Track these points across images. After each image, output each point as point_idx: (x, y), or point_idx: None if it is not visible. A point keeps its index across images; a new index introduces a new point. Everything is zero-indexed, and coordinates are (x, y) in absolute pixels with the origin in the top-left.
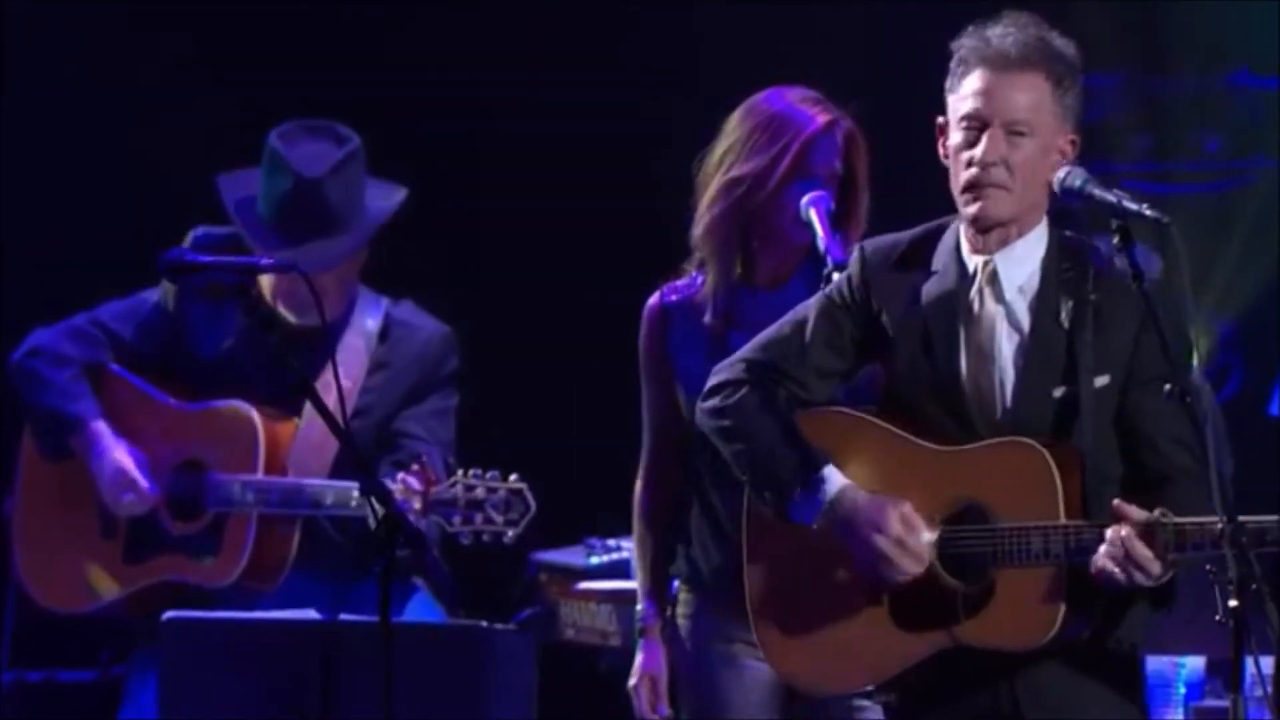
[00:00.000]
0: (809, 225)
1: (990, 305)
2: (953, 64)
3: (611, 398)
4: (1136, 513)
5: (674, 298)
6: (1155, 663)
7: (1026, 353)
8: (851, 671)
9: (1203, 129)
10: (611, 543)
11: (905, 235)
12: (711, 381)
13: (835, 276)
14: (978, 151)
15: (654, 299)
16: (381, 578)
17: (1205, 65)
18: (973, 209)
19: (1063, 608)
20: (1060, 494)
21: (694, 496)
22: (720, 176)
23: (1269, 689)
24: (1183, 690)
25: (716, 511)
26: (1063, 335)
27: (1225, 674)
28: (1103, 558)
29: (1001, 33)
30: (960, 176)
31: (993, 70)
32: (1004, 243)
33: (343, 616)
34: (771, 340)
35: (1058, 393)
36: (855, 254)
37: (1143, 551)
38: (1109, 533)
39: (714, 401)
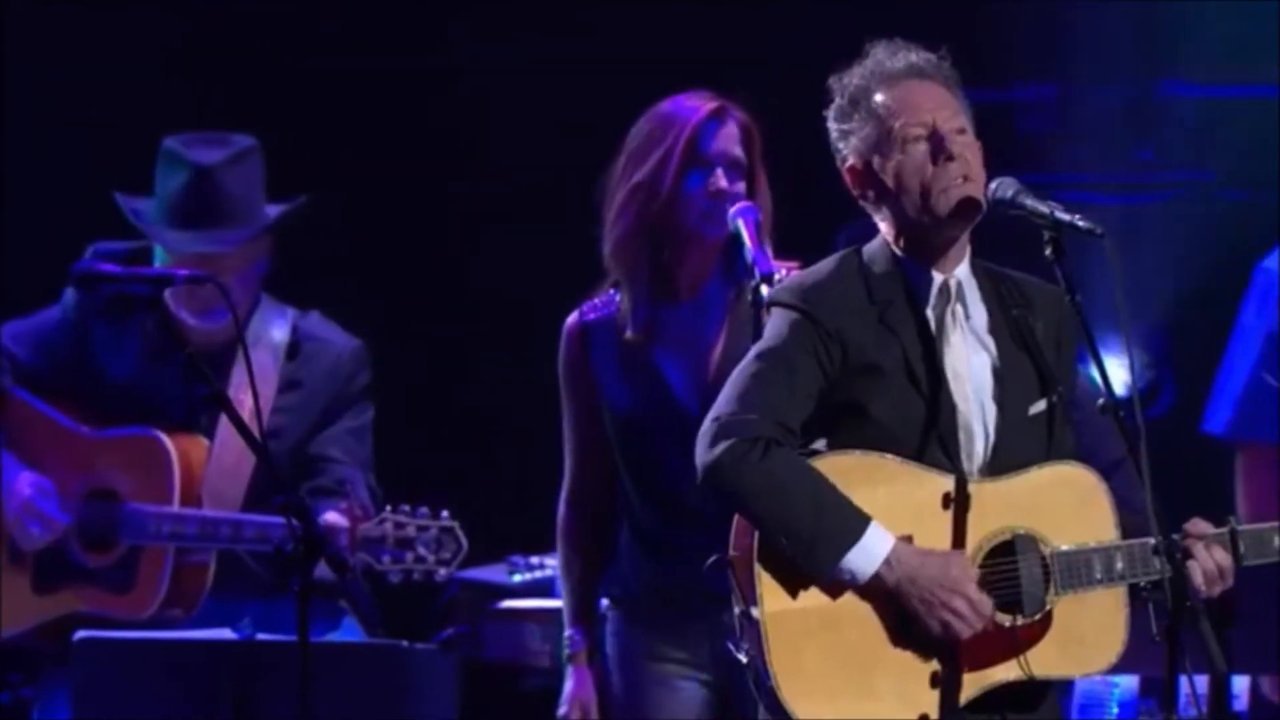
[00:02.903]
0: (737, 236)
1: (959, 324)
2: (843, 104)
3: (532, 412)
4: (1208, 525)
5: (593, 316)
6: (1087, 683)
7: (998, 371)
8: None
9: (1135, 140)
10: (534, 560)
11: (821, 274)
12: (720, 439)
13: (764, 289)
14: (954, 150)
15: (573, 318)
16: (300, 596)
17: (1137, 75)
18: (969, 197)
19: (1126, 627)
20: (1112, 513)
21: (621, 515)
22: (622, 189)
23: (1204, 709)
24: (1115, 710)
25: (645, 530)
26: (1024, 349)
27: (1159, 693)
28: (1196, 572)
29: (889, 55)
30: (940, 179)
31: (908, 82)
32: (959, 259)
33: (260, 635)
34: (766, 394)
35: (1033, 410)
36: (794, 308)
37: (1227, 560)
38: (1197, 548)
39: (734, 461)
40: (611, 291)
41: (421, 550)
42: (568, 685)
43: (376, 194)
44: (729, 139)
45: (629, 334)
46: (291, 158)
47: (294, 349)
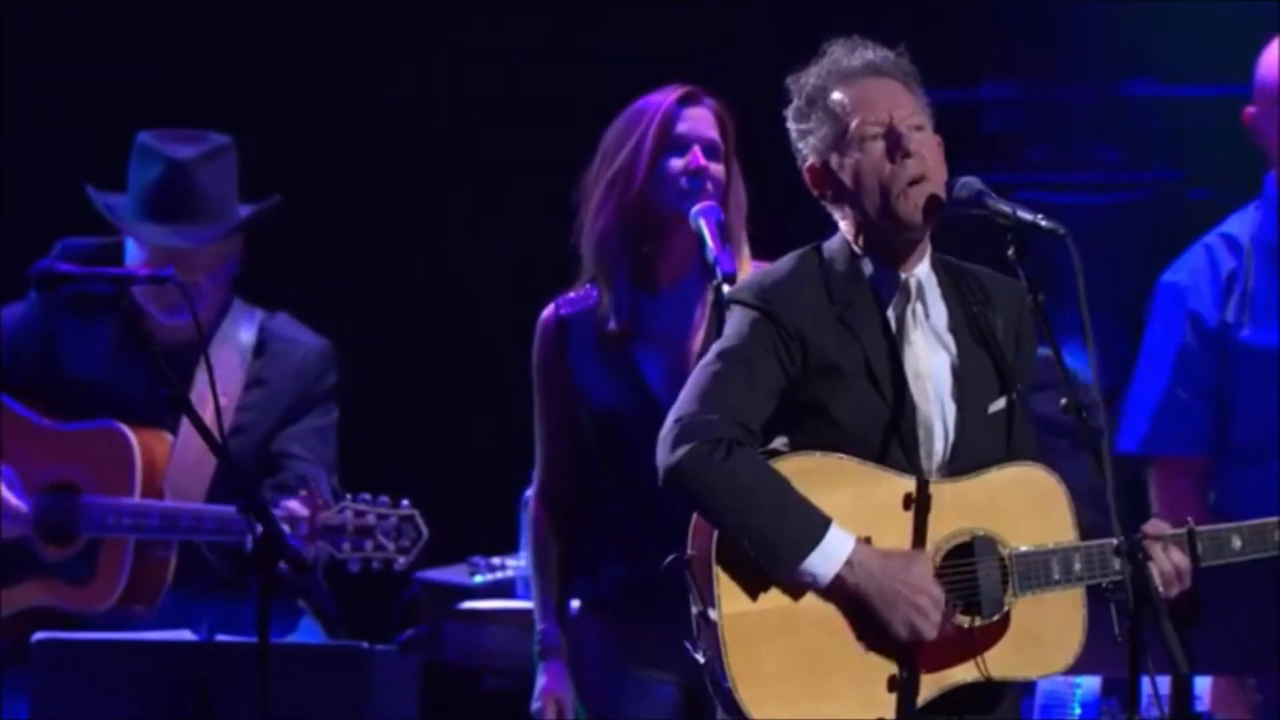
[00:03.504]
0: (699, 235)
1: (919, 323)
2: (800, 103)
3: (494, 413)
4: (1166, 526)
5: (570, 310)
6: (1049, 683)
7: (957, 369)
8: None
9: (1101, 139)
10: (495, 561)
11: (782, 273)
12: (682, 440)
13: (725, 288)
14: (910, 147)
15: (548, 311)
16: (260, 596)
17: (1103, 74)
18: (929, 195)
19: (1084, 628)
20: (1070, 514)
21: (593, 512)
22: (599, 184)
23: (1166, 709)
24: (1078, 711)
25: (620, 526)
26: (984, 347)
27: (1121, 694)
28: (1154, 573)
29: (846, 53)
30: (899, 177)
31: (865, 80)
32: (919, 258)
33: (219, 637)
34: (727, 394)
35: (993, 408)
36: (754, 307)
37: (1185, 562)
38: (1155, 549)
39: (695, 461)
40: (588, 286)
41: (381, 538)
42: (541, 680)
43: (337, 193)
44: (702, 121)
45: (611, 327)
46: (261, 158)
47: (261, 348)
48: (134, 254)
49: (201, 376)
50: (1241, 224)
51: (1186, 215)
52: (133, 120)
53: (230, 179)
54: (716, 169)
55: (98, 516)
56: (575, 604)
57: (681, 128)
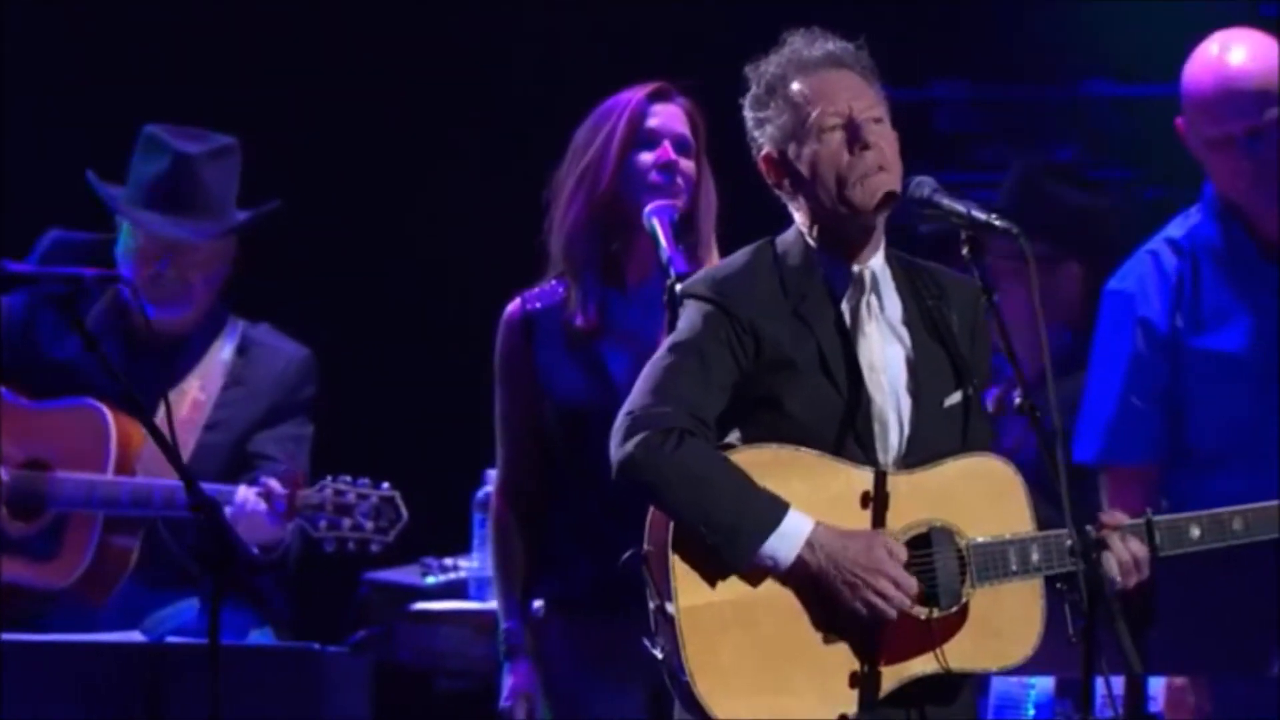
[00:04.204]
0: (652, 235)
1: (874, 316)
2: (759, 92)
3: (446, 414)
4: (1124, 516)
5: (537, 305)
6: (1003, 684)
7: (912, 363)
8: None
9: (1055, 139)
10: (448, 562)
11: (735, 266)
12: (634, 432)
13: (678, 288)
14: (869, 139)
15: (514, 307)
16: (213, 598)
17: (1058, 73)
18: (886, 187)
19: (1043, 619)
20: (1028, 505)
21: (557, 511)
22: (569, 180)
23: (1120, 710)
24: (1031, 712)
25: (586, 523)
26: (939, 341)
27: (1075, 695)
28: (1111, 562)
29: (806, 44)
30: (857, 168)
31: (825, 71)
32: (874, 251)
33: (169, 638)
34: (679, 386)
35: (948, 401)
36: (708, 300)
37: (1143, 551)
38: (1112, 538)
39: (647, 452)
40: (553, 281)
41: (360, 518)
42: (509, 679)
43: (299, 199)
44: (673, 117)
45: (579, 323)
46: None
47: (243, 350)
48: (127, 246)
49: (189, 372)
50: (1184, 228)
51: (1142, 214)
52: (128, 118)
53: (233, 180)
54: (687, 164)
55: (67, 492)
56: (537, 604)
57: (652, 123)
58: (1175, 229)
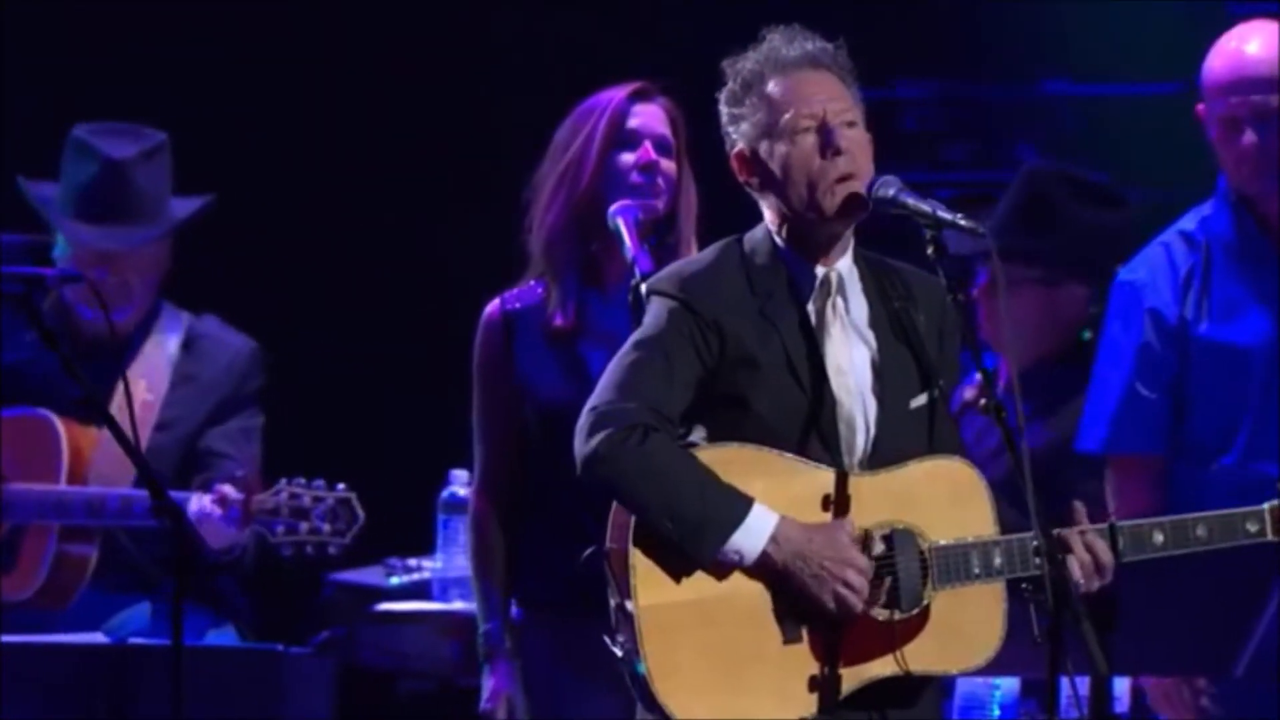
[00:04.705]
0: (616, 234)
1: (840, 317)
2: (735, 88)
3: (410, 414)
4: (1084, 518)
5: (516, 305)
6: (968, 684)
7: (877, 365)
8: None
9: (1017, 138)
10: (411, 563)
11: (702, 263)
12: (598, 428)
13: (643, 288)
14: (842, 144)
15: (493, 307)
16: (175, 600)
17: (1022, 73)
18: (853, 194)
19: (1004, 623)
20: (991, 508)
21: (536, 512)
22: (549, 180)
23: (1085, 710)
24: (997, 713)
25: (567, 523)
26: (905, 343)
27: (1041, 695)
28: (1074, 565)
29: (784, 43)
30: (828, 173)
31: (802, 72)
32: (842, 252)
33: (132, 640)
34: (643, 382)
35: (914, 404)
36: (673, 297)
37: (1105, 553)
38: (1075, 541)
39: (611, 448)
40: (533, 282)
41: (316, 521)
42: (490, 681)
43: (258, 193)
44: (654, 117)
45: (559, 323)
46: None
47: (189, 346)
48: (64, 252)
49: (130, 373)
50: (1197, 220)
51: None
52: (63, 111)
53: (166, 178)
54: (668, 165)
55: (21, 504)
56: (515, 608)
57: (633, 123)
58: (1188, 221)
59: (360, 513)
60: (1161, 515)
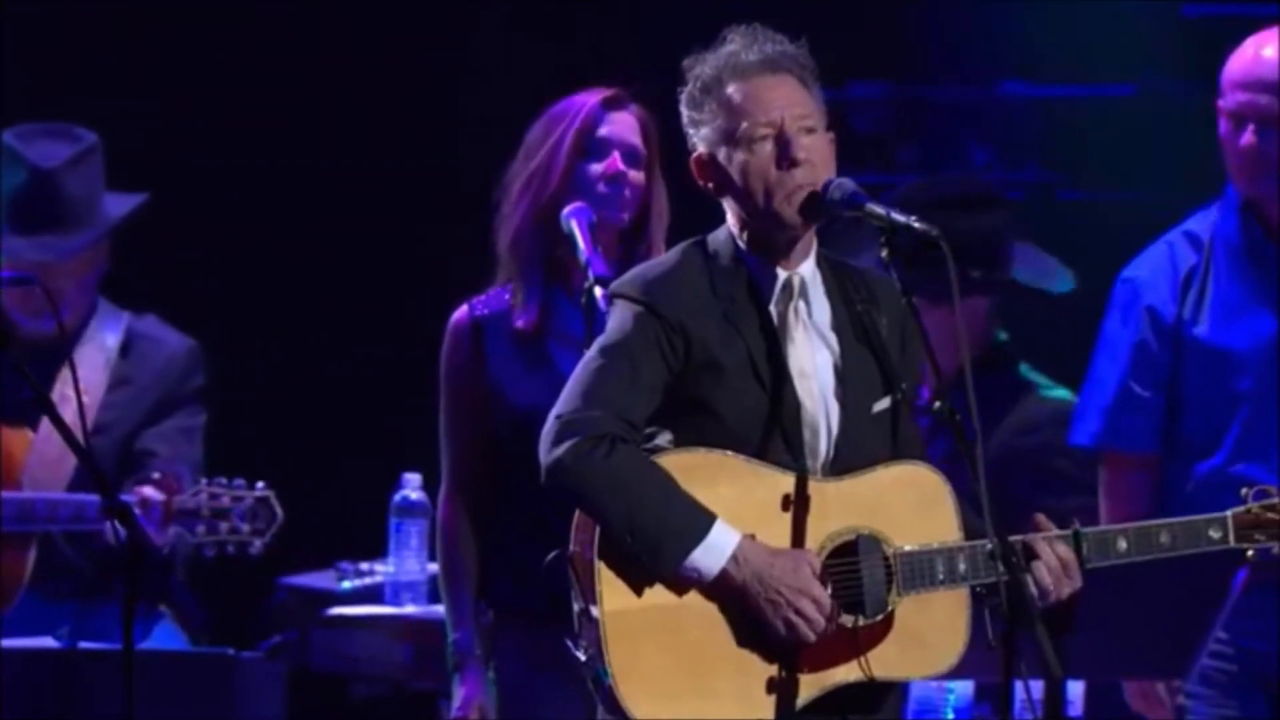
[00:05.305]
0: (570, 237)
1: (802, 321)
2: (694, 92)
3: (362, 418)
4: (1049, 524)
5: (485, 311)
6: (921, 688)
7: (840, 369)
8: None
9: (971, 140)
10: (363, 566)
11: (666, 267)
12: (564, 437)
13: (598, 291)
14: (799, 156)
15: (462, 312)
16: (125, 602)
17: (973, 74)
18: (810, 196)
19: (968, 629)
20: (955, 513)
21: (508, 519)
22: (517, 181)
23: (1039, 713)
24: (950, 716)
25: (542, 528)
26: (868, 346)
27: (994, 699)
28: (1041, 569)
29: (744, 46)
30: (785, 184)
31: (761, 76)
32: (803, 255)
33: (81, 644)
34: (609, 389)
35: (877, 408)
36: (638, 301)
37: (1071, 557)
38: (1041, 546)
39: (577, 458)
40: (498, 288)
41: (236, 521)
42: (461, 690)
43: (215, 192)
44: (625, 126)
45: (519, 324)
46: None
47: (127, 348)
48: None
49: (64, 376)
50: (1204, 222)
51: (1057, 216)
52: None
53: (98, 180)
54: (636, 175)
55: None
56: (488, 616)
57: (603, 131)
58: (1195, 222)
59: (279, 511)
60: (1152, 513)
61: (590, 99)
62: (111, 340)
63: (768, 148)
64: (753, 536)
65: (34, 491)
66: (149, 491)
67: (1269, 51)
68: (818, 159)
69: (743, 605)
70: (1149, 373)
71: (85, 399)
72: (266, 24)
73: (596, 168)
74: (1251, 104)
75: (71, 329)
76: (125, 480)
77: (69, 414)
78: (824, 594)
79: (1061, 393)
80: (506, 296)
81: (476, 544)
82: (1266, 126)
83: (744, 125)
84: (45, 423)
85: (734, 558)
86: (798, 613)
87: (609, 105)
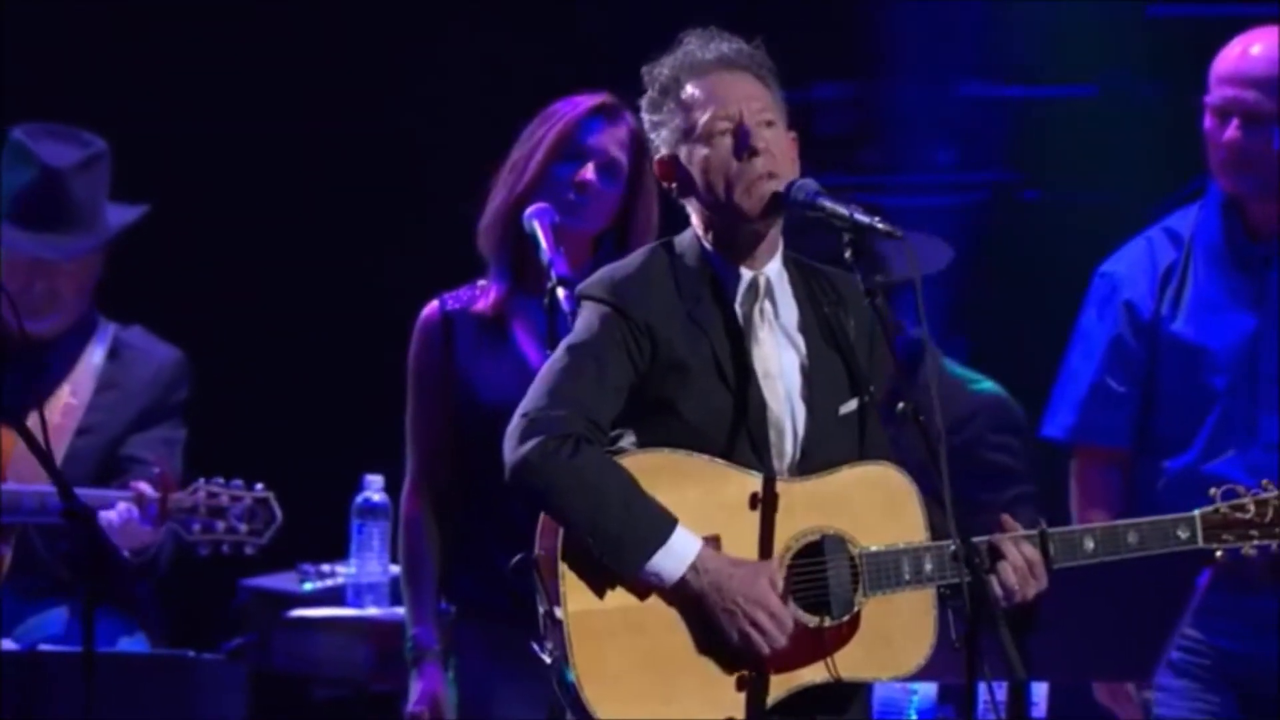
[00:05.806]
0: (532, 237)
1: (768, 321)
2: (654, 94)
3: (324, 419)
4: (1016, 525)
5: (455, 306)
6: (885, 689)
7: (807, 370)
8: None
9: (934, 140)
10: (325, 568)
11: (632, 268)
12: (529, 435)
13: (560, 292)
14: (758, 145)
15: (432, 308)
16: (86, 605)
17: (939, 75)
18: (772, 193)
19: (934, 629)
20: (922, 514)
21: (475, 516)
22: (502, 170)
23: (1003, 715)
24: (914, 717)
25: (511, 524)
26: (835, 348)
27: (958, 701)
28: (1007, 569)
29: (700, 46)
30: (745, 174)
31: (718, 74)
32: (769, 255)
33: (41, 646)
34: (575, 389)
35: (844, 409)
36: (604, 302)
37: (1037, 557)
38: (1007, 546)
39: (542, 458)
40: (470, 285)
41: (234, 521)
42: (418, 684)
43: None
44: (612, 138)
45: (479, 306)
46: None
47: (115, 354)
48: None
49: (61, 377)
50: (1185, 219)
51: (1020, 217)
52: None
53: (103, 187)
54: (608, 189)
55: None
56: (451, 613)
57: (585, 139)
58: (1175, 219)
59: (278, 512)
60: (1123, 508)
61: (583, 103)
62: (100, 344)
63: (727, 140)
64: (718, 538)
65: (19, 484)
66: (145, 488)
67: (1257, 49)
68: (777, 151)
69: (700, 612)
70: (1124, 368)
71: (72, 400)
72: (246, 35)
73: (569, 173)
74: (1237, 99)
75: (63, 332)
76: (112, 483)
77: (57, 413)
78: (781, 607)
79: (988, 384)
80: (476, 292)
81: (439, 540)
82: (1251, 122)
83: (703, 120)
84: (32, 418)
85: (694, 566)
86: (754, 624)
87: (600, 113)
